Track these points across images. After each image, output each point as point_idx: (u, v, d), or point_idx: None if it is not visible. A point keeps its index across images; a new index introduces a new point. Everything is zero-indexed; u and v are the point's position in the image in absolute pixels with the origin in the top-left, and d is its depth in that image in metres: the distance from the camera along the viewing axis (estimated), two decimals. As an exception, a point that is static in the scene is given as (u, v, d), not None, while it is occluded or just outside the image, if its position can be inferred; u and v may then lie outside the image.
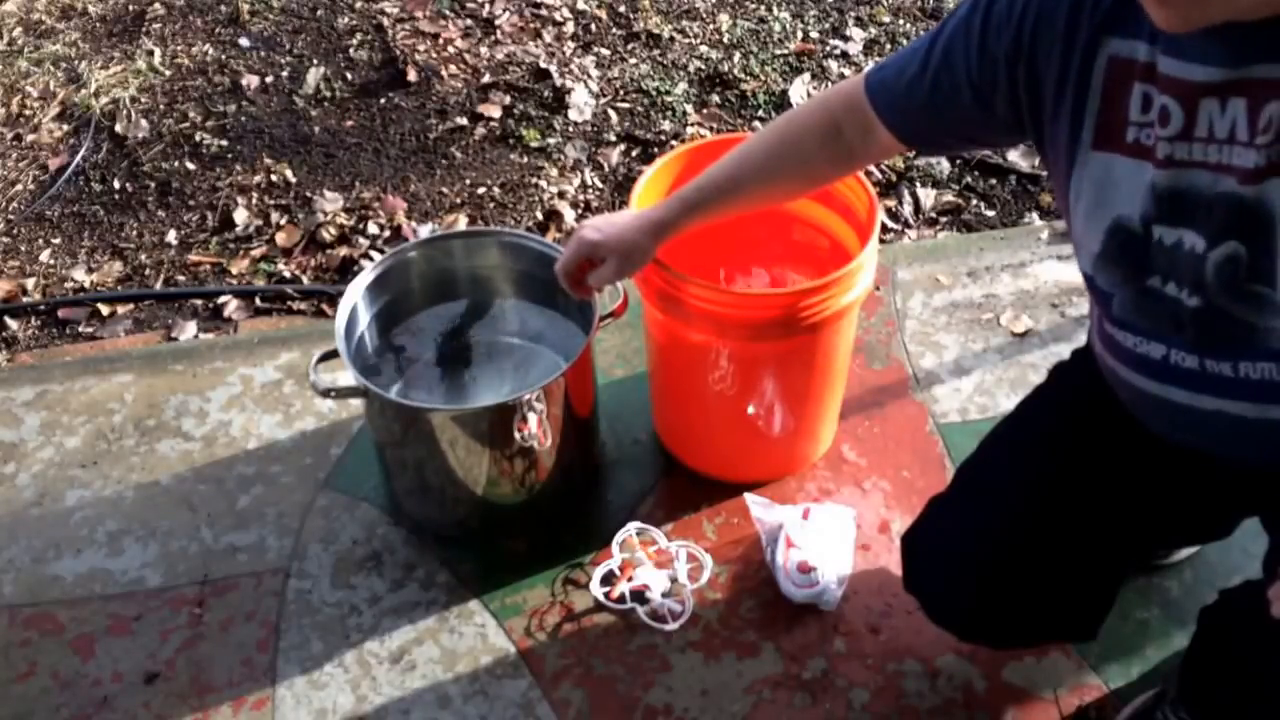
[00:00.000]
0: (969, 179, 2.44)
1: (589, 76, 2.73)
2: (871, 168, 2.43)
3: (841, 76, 2.72)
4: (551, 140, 2.56)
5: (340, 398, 1.58)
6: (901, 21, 2.89)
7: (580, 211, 2.39)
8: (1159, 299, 1.05)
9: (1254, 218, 0.95)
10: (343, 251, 2.30)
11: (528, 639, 1.61)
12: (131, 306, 2.23)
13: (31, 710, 1.55)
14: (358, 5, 2.97)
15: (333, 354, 1.59)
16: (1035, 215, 2.36)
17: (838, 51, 2.80)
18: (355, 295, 1.67)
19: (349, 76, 2.75)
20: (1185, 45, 0.95)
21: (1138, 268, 1.05)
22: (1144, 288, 1.06)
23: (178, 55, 2.84)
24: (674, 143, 2.53)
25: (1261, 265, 0.97)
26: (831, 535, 1.64)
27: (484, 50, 2.82)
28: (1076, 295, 2.11)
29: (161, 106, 2.68)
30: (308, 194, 2.44)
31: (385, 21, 2.90)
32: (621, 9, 2.95)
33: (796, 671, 1.56)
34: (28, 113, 2.70)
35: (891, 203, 2.38)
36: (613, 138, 2.57)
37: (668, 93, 2.68)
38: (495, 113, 2.63)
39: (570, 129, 2.59)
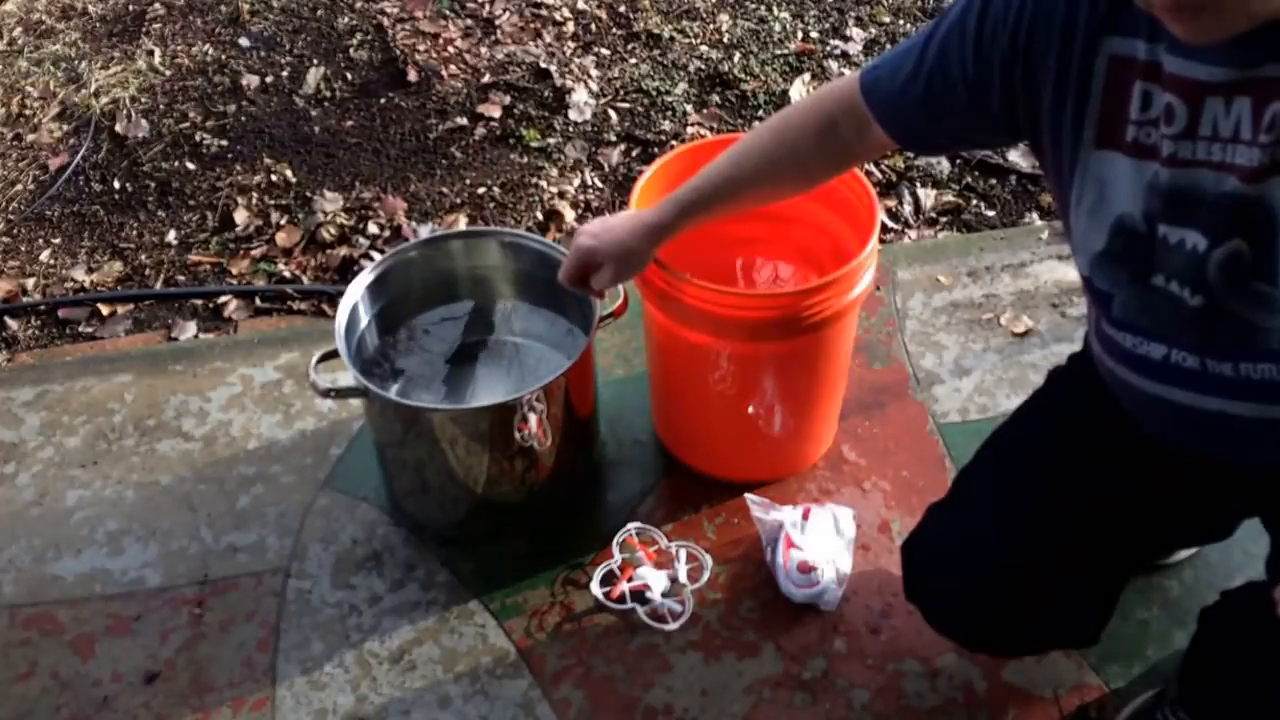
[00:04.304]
0: (969, 179, 2.44)
1: (589, 76, 2.73)
2: (871, 167, 2.43)
3: (841, 76, 2.72)
4: (551, 140, 2.56)
5: (340, 398, 1.58)
6: (901, 21, 2.89)
7: (580, 211, 2.39)
8: (1162, 298, 1.05)
9: (1257, 216, 0.95)
10: (343, 251, 2.30)
11: (528, 639, 1.61)
12: (131, 306, 2.23)
13: (31, 710, 1.55)
14: (358, 5, 2.97)
15: (333, 354, 1.59)
16: (1035, 215, 2.36)
17: (838, 51, 2.80)
18: (355, 295, 1.67)
19: (349, 76, 2.75)
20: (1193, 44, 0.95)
21: (1142, 266, 1.05)
22: (1148, 286, 1.06)
23: (178, 55, 2.84)
24: (674, 143, 2.53)
25: (1264, 263, 0.97)
26: (831, 535, 1.64)
27: (484, 50, 2.82)
28: (1076, 295, 2.11)
29: (161, 106, 2.68)
30: (308, 194, 2.44)
31: (385, 21, 2.90)
32: (621, 9, 2.95)
33: (796, 671, 1.56)
34: (28, 113, 2.70)
35: (891, 203, 2.38)
36: (613, 138, 2.57)
37: (668, 93, 2.68)
38: (495, 113, 2.63)
39: (570, 129, 2.59)
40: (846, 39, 2.83)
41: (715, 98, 2.68)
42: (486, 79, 2.72)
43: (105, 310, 2.21)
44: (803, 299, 1.50)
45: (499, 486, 1.66)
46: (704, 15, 2.93)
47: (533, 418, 1.57)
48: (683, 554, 1.68)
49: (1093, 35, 1.01)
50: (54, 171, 2.54)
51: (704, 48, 2.82)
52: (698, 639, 1.60)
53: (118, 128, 2.62)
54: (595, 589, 1.64)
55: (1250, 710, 1.20)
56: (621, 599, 1.63)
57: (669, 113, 2.63)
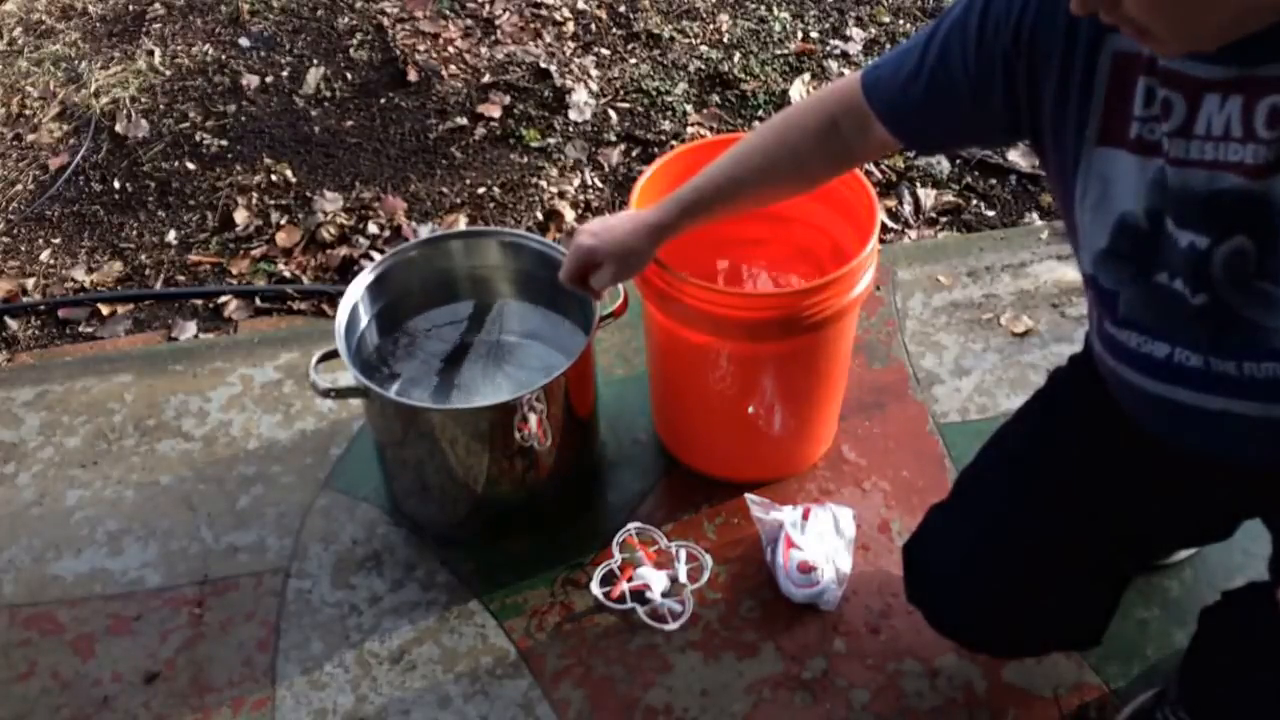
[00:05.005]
0: (969, 179, 2.44)
1: (589, 76, 2.73)
2: (871, 167, 2.43)
3: (841, 76, 2.72)
4: (551, 140, 2.56)
5: (340, 398, 1.58)
6: (901, 21, 2.89)
7: (580, 211, 2.39)
8: (1165, 296, 1.05)
9: (1261, 213, 0.95)
10: (343, 251, 2.30)
11: (528, 639, 1.61)
12: (131, 306, 2.23)
13: (31, 710, 1.55)
14: (358, 5, 2.97)
15: (333, 354, 1.59)
16: (1035, 215, 2.36)
17: (838, 51, 2.80)
18: (355, 295, 1.67)
19: (349, 76, 2.75)
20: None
21: (1145, 263, 1.05)
22: (1151, 284, 1.06)
23: (178, 55, 2.84)
24: (674, 143, 2.53)
25: (1268, 262, 0.97)
26: (831, 535, 1.64)
27: (484, 50, 2.82)
28: (1076, 295, 2.11)
29: (161, 106, 2.68)
30: (308, 194, 2.44)
31: (385, 21, 2.90)
32: (621, 9, 2.95)
33: (796, 671, 1.56)
34: (28, 113, 2.70)
35: (891, 203, 2.38)
36: (613, 138, 2.57)
37: (668, 93, 2.68)
38: (495, 113, 2.62)
39: (570, 129, 2.59)
40: (846, 39, 2.83)
41: (715, 98, 2.68)
42: (486, 79, 2.72)
43: (105, 310, 2.21)
44: (803, 299, 1.50)
45: (499, 486, 1.66)
46: (704, 15, 2.93)
47: (533, 418, 1.57)
48: (683, 554, 1.68)
49: (1097, 32, 1.01)
50: (54, 171, 2.54)
51: (704, 48, 2.82)
52: (698, 639, 1.60)
53: (118, 128, 2.62)
54: (595, 589, 1.64)
55: (1250, 710, 1.20)
56: (621, 599, 1.63)
57: (669, 113, 2.63)
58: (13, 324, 2.20)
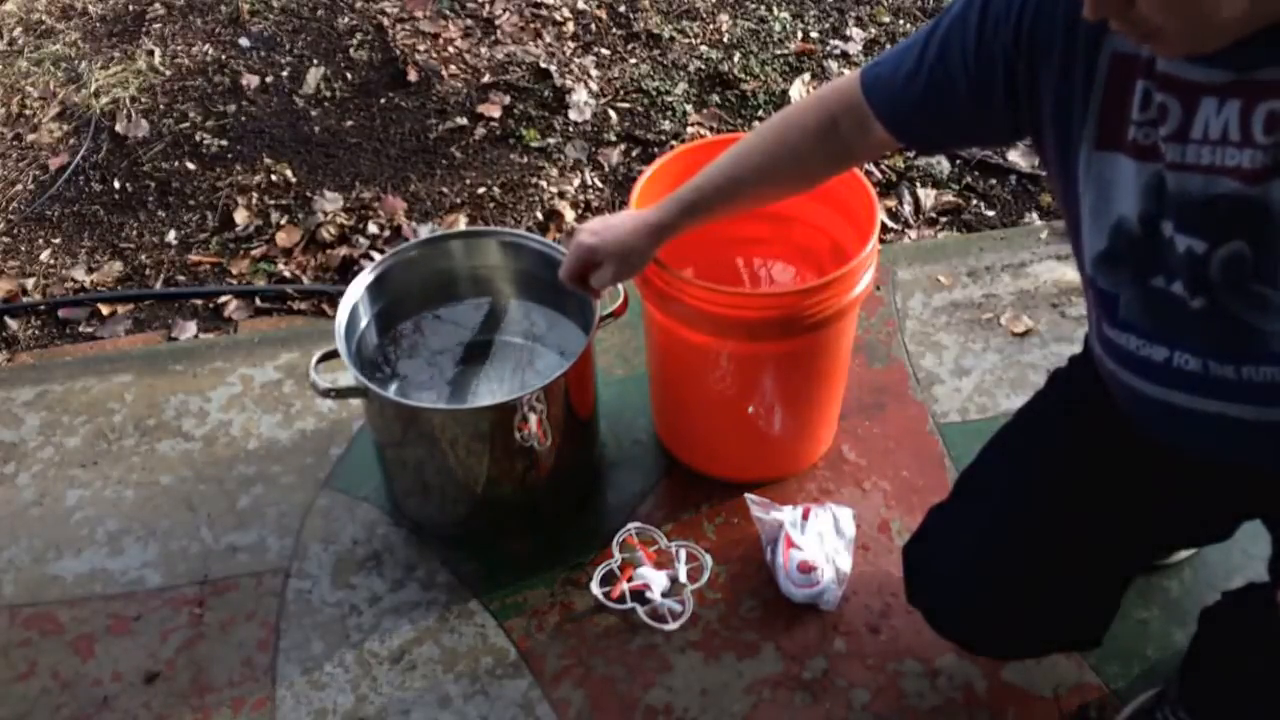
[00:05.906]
0: (969, 179, 2.44)
1: (589, 76, 2.73)
2: (871, 167, 2.43)
3: (841, 76, 2.72)
4: (551, 140, 2.56)
5: (340, 398, 1.58)
6: (901, 21, 2.89)
7: (580, 211, 2.39)
8: (1164, 299, 1.05)
9: (1258, 217, 0.95)
10: (343, 251, 2.30)
11: (528, 639, 1.61)
12: (131, 306, 2.23)
13: (31, 710, 1.55)
14: (358, 5, 2.97)
15: (333, 354, 1.59)
16: (1035, 215, 2.36)
17: (838, 51, 2.80)
18: (355, 295, 1.67)
19: (349, 76, 2.75)
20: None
21: (1143, 266, 1.05)
22: (1150, 287, 1.06)
23: (178, 55, 2.84)
24: (674, 143, 2.53)
25: (1266, 266, 0.97)
26: (831, 535, 1.64)
27: (484, 50, 2.82)
28: (1076, 295, 2.11)
29: (161, 106, 2.68)
30: (308, 194, 2.44)
31: (385, 21, 2.90)
32: (621, 9, 2.95)
33: (796, 671, 1.56)
34: (28, 113, 2.70)
35: (891, 203, 2.38)
36: (613, 138, 2.57)
37: (668, 93, 2.68)
38: (495, 113, 2.62)
39: (570, 129, 2.59)
40: (846, 39, 2.83)
41: (715, 98, 2.68)
42: (486, 79, 2.72)
43: (105, 310, 2.21)
44: (803, 299, 1.50)
45: (499, 486, 1.66)
46: (704, 15, 2.93)
47: (533, 418, 1.57)
48: (683, 554, 1.68)
49: (1096, 32, 1.01)
50: (54, 171, 2.54)
51: (704, 48, 2.82)
52: (698, 639, 1.60)
53: (118, 128, 2.62)
54: (595, 589, 1.64)
55: (1251, 710, 1.20)
56: (621, 599, 1.63)
57: (669, 113, 2.63)
58: (13, 324, 2.20)
